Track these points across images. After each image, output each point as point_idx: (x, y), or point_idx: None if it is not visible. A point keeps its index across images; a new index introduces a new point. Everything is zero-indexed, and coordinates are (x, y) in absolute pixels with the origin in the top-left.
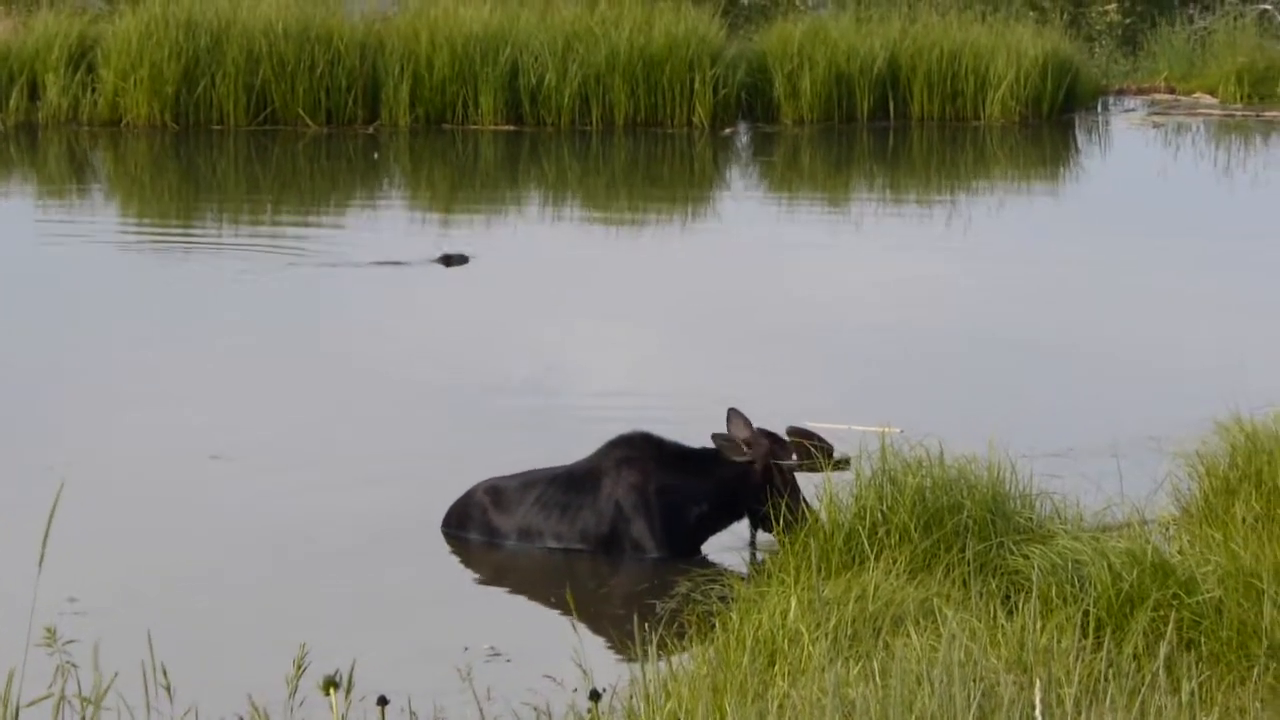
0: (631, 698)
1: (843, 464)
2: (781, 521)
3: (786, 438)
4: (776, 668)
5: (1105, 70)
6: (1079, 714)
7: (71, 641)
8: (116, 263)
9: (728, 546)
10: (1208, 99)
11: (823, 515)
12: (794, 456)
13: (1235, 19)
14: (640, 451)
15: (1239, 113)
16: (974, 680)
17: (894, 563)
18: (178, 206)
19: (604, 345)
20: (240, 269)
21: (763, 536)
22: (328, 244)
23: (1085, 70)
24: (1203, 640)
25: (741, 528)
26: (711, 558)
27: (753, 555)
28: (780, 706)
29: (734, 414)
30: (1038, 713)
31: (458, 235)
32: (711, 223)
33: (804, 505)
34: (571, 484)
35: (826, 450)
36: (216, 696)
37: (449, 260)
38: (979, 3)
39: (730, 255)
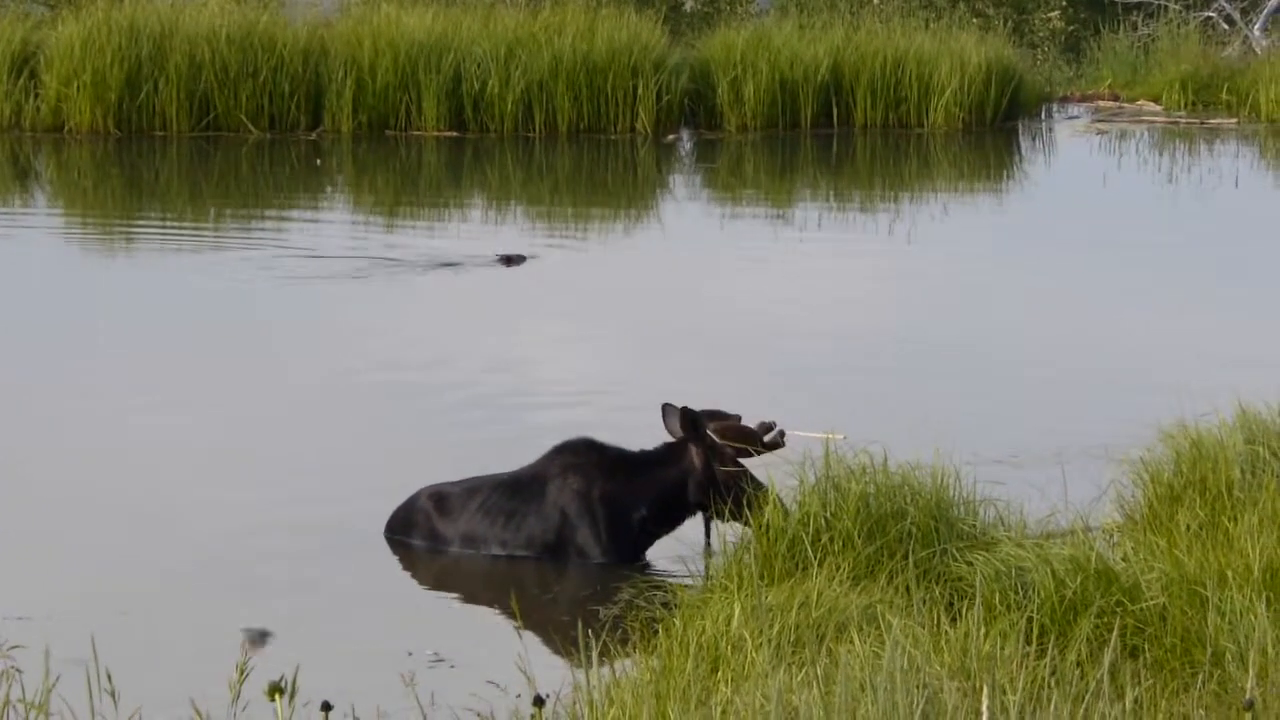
0: (575, 704)
1: (777, 437)
2: (740, 511)
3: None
4: (720, 674)
5: (1049, 77)
6: None
7: (16, 647)
8: (105, 264)
9: (672, 553)
10: (1151, 106)
11: (766, 518)
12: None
13: (1179, 26)
14: (584, 457)
15: (1183, 120)
16: (917, 687)
17: (837, 569)
18: (205, 209)
19: (546, 351)
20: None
21: (719, 540)
22: (386, 248)
23: (1029, 77)
24: (1147, 647)
25: (690, 535)
26: (655, 564)
27: (707, 558)
28: (723, 713)
29: (669, 409)
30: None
31: (512, 236)
32: (654, 229)
33: (753, 488)
34: (516, 490)
35: (757, 435)
36: (160, 701)
37: (509, 260)
38: (922, 10)
39: (673, 262)
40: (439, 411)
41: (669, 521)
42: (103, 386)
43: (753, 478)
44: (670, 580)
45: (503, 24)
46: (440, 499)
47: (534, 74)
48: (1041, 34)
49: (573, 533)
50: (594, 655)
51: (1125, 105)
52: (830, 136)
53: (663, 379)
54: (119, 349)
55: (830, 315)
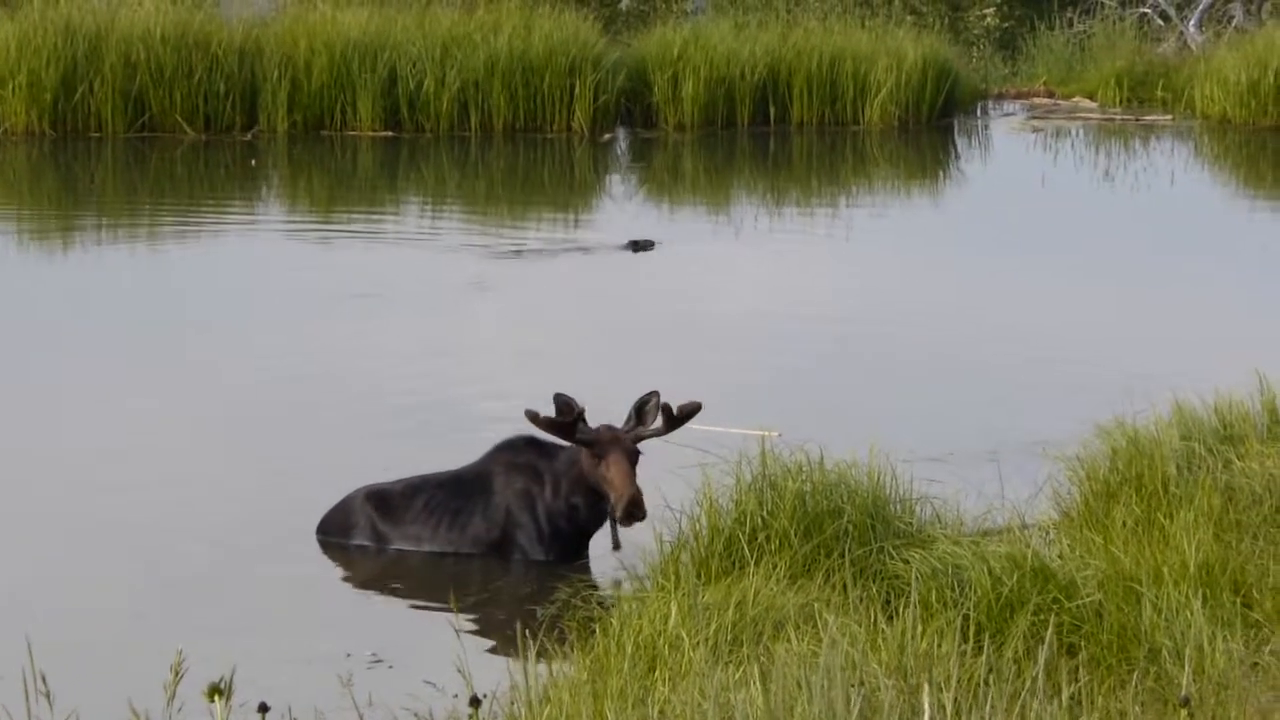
0: (513, 703)
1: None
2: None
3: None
4: (657, 673)
5: (984, 75)
6: (959, 718)
7: None
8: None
9: (609, 552)
10: (1087, 103)
11: (702, 521)
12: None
13: (1114, 22)
14: (525, 456)
15: (1118, 116)
16: (855, 685)
17: (774, 568)
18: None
19: (480, 352)
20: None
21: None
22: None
23: (965, 75)
24: (1083, 644)
25: (632, 535)
26: (593, 564)
27: (615, 553)
28: (661, 712)
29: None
30: (926, 718)
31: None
32: (590, 229)
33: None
34: (460, 490)
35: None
36: (96, 703)
37: (637, 246)
38: (858, 8)
39: (608, 261)
40: (380, 414)
41: (594, 517)
42: (36, 388)
43: (622, 473)
44: (607, 579)
45: (438, 23)
46: (381, 499)
47: (469, 73)
48: (977, 31)
49: (515, 531)
50: (532, 655)
51: (1061, 102)
52: (767, 135)
53: (595, 376)
54: (87, 348)
55: (766, 312)
